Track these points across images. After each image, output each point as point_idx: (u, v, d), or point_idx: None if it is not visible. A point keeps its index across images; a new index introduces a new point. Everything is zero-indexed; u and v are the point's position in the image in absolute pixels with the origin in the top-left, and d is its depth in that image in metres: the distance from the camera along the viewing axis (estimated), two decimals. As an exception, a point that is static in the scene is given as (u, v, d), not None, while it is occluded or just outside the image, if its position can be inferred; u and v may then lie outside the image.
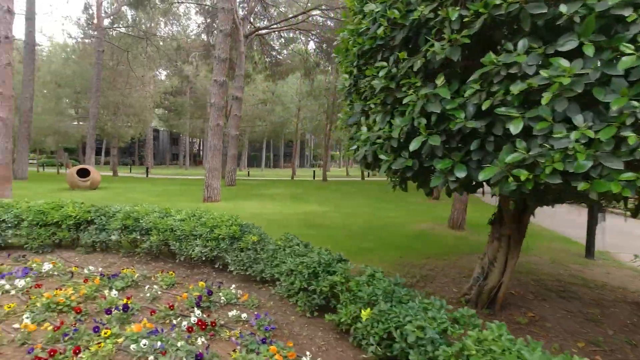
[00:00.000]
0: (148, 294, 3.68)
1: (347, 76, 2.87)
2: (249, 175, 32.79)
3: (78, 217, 5.09)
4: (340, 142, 37.95)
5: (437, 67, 2.10)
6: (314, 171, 35.75)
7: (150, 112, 30.73)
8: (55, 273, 4.27)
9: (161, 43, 25.97)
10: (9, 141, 9.00)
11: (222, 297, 3.61)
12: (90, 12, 24.75)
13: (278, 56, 24.94)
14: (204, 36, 35.52)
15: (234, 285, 3.94)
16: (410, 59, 2.22)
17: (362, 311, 2.64)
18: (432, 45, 2.02)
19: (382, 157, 2.48)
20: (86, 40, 27.94)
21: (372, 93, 2.65)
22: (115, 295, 3.54)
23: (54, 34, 55.63)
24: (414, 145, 2.11)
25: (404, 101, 2.14)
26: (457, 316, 2.30)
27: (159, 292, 3.77)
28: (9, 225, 5.03)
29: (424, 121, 2.11)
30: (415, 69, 2.13)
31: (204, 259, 4.50)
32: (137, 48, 25.34)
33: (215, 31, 23.99)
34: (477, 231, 7.93)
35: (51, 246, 5.22)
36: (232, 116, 19.17)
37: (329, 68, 25.96)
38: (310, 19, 22.14)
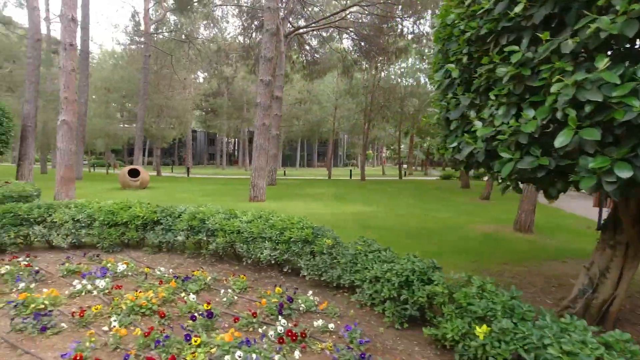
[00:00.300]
0: (225, 299, 3.57)
1: (453, 66, 2.56)
2: (285, 174, 32.98)
3: (145, 217, 5.13)
4: (376, 141, 37.18)
5: (592, 48, 1.78)
6: (351, 170, 35.40)
7: (191, 113, 31.68)
8: (129, 273, 4.29)
9: (199, 46, 26.62)
10: (73, 143, 9.42)
11: (302, 305, 3.43)
12: (137, 19, 25.83)
13: (315, 55, 24.81)
14: (240, 38, 36.18)
15: (310, 292, 3.76)
16: (553, 40, 1.90)
17: (477, 328, 2.35)
18: (593, 20, 1.70)
19: (504, 155, 2.18)
20: (132, 47, 29.23)
21: (488, 83, 2.34)
22: (193, 299, 3.46)
23: (104, 42, 58.90)
24: (561, 141, 1.80)
25: (552, 89, 1.82)
26: (610, 340, 1.96)
27: (235, 297, 3.66)
28: (83, 224, 5.16)
29: (573, 112, 1.80)
30: (567, 50, 1.81)
31: (272, 262, 4.36)
32: (179, 52, 26.15)
33: (253, 33, 24.32)
34: (548, 235, 7.32)
35: (120, 245, 5.30)
36: (272, 116, 19.24)
37: (367, 66, 25.51)
38: (348, 16, 21.83)
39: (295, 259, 4.21)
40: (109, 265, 4.41)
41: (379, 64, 25.18)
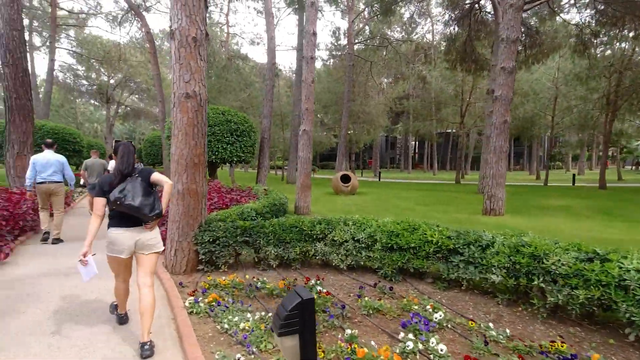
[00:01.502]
0: None
1: None
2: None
3: (439, 243, 4.03)
4: (622, 135, 28.15)
5: None
6: (574, 175, 28.03)
7: (383, 117, 31.88)
8: (448, 325, 3.18)
9: (396, 48, 26.16)
10: (310, 152, 9.81)
11: None
12: (337, 34, 27.65)
13: (536, 35, 20.36)
14: (428, 36, 34.17)
15: None
16: None
17: None
18: None
19: None
20: (330, 60, 31.64)
21: None
22: None
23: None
24: None
25: None
26: None
27: None
28: (363, 245, 4.50)
29: None
30: None
31: None
32: (375, 57, 26.46)
33: (453, 26, 21.91)
34: None
35: (400, 273, 4.40)
36: (488, 114, 16.55)
37: (614, 37, 19.21)
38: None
39: None
40: (414, 306, 3.45)
41: (633, 32, 18.50)
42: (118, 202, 2.74)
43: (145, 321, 2.82)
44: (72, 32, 32.00)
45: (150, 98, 41.95)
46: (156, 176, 2.98)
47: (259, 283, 4.10)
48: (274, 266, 4.76)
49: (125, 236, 2.85)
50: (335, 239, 4.61)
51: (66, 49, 32.41)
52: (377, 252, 4.36)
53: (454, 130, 35.77)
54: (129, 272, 3.11)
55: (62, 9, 28.72)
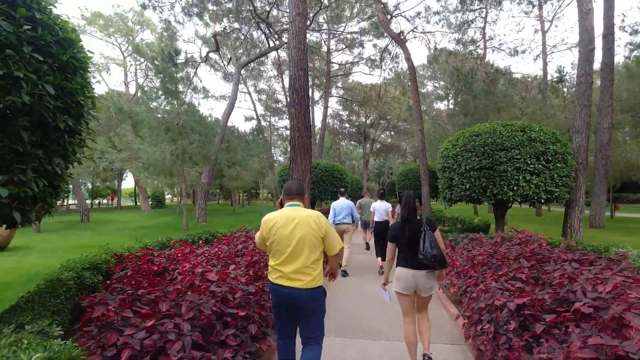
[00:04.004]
0: None
1: None
2: None
3: None
4: None
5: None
6: None
7: None
8: None
9: None
10: None
11: None
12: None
13: None
14: None
15: None
16: None
17: None
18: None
19: None
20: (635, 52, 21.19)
21: None
22: None
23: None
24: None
25: None
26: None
27: None
28: None
29: None
30: None
31: None
32: None
33: None
34: None
35: None
36: None
37: None
38: None
39: None
40: None
41: None
42: (433, 260, 2.94)
43: (425, 338, 3.14)
44: (339, 83, 36.59)
45: (399, 133, 42.62)
46: (437, 236, 3.13)
47: None
48: None
49: (411, 276, 3.11)
50: None
51: (335, 96, 37.29)
52: None
53: None
54: (414, 312, 3.22)
55: (334, 63, 33.13)
